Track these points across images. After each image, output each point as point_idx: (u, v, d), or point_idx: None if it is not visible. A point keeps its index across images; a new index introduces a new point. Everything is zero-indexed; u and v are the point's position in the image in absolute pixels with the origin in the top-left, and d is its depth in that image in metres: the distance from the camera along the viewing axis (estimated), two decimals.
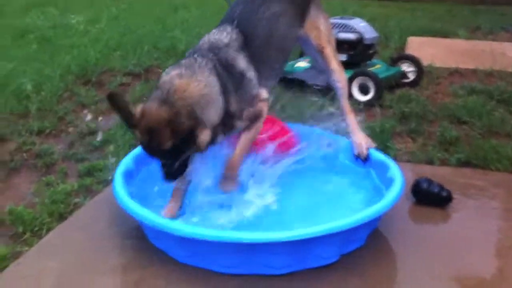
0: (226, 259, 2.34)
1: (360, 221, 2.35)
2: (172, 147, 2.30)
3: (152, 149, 2.35)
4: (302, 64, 4.73)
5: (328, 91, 4.28)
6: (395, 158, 3.40)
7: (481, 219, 2.83)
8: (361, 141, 3.06)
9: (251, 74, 2.60)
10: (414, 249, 2.59)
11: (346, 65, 4.50)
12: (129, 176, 2.74)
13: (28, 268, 2.38)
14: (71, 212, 2.92)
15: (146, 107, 2.34)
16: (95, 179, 3.23)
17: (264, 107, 2.67)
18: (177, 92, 2.34)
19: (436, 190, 2.91)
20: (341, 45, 4.51)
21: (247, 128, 2.64)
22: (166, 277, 2.34)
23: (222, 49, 2.55)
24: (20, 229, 2.73)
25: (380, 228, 2.65)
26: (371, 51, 4.63)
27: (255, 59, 2.62)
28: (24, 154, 3.60)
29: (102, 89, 4.86)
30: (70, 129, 4.02)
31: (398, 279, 2.46)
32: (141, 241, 2.52)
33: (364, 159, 3.03)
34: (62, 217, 2.87)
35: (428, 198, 2.92)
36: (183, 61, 2.50)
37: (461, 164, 3.38)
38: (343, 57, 4.50)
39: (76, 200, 3.02)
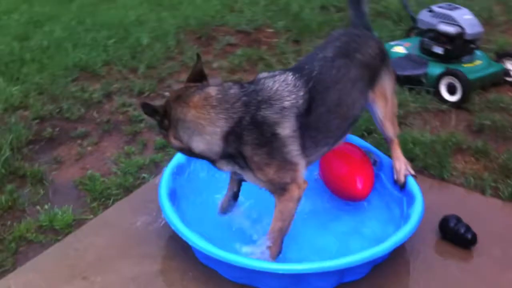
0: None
1: (351, 263, 2.56)
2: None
3: None
4: (399, 49, 4.64)
5: (416, 81, 4.25)
6: (448, 180, 3.45)
7: (498, 272, 2.84)
8: (401, 168, 3.15)
9: (291, 141, 2.55)
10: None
11: (440, 58, 4.40)
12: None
13: (80, 241, 2.95)
14: (138, 186, 3.42)
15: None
16: (166, 155, 3.68)
17: (294, 190, 2.60)
18: (180, 102, 2.55)
19: (462, 230, 2.96)
20: (438, 37, 4.39)
21: (277, 199, 2.64)
22: (182, 272, 2.77)
23: (271, 107, 2.52)
24: (89, 199, 3.29)
25: (402, 253, 2.82)
26: (472, 46, 4.40)
27: (310, 126, 2.60)
28: (120, 116, 4.16)
29: (209, 48, 5.25)
30: (166, 93, 4.49)
31: None
32: (173, 232, 2.93)
33: (401, 186, 3.13)
34: (128, 190, 3.38)
35: (452, 236, 2.98)
36: (232, 91, 2.56)
37: None
38: (439, 50, 4.38)
39: (144, 175, 3.51)
